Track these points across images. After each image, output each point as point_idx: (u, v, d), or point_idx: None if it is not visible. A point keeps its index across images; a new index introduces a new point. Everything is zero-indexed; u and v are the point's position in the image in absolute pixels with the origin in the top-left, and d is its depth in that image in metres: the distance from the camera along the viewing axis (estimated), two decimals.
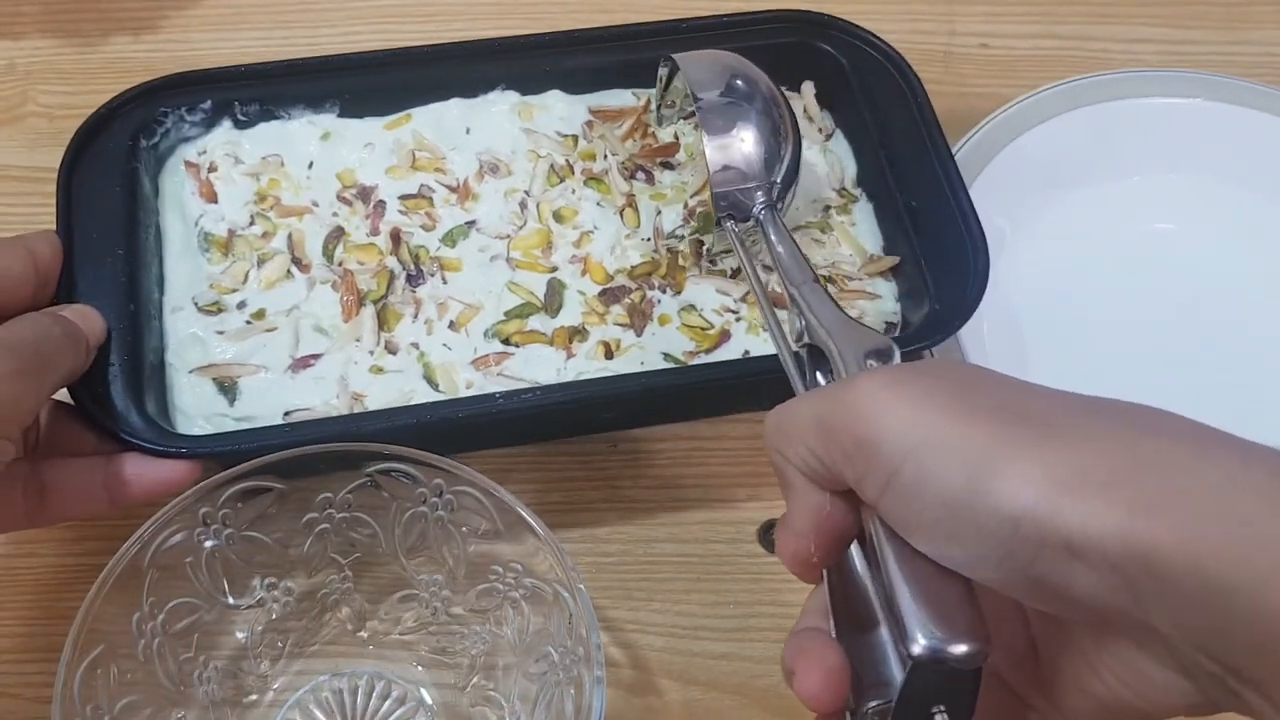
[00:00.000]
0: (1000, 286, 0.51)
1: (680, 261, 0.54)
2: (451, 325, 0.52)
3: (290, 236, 0.53)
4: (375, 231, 0.54)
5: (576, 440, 0.54)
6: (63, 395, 0.46)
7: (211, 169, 0.55)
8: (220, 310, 0.51)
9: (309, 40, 0.67)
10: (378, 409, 0.48)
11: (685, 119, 0.56)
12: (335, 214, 0.54)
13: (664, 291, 0.53)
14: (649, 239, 0.54)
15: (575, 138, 0.57)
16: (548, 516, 0.44)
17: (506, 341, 0.51)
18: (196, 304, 0.51)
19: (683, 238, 0.54)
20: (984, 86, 0.66)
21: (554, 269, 0.53)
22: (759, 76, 0.51)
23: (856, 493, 0.31)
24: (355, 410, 0.49)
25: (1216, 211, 0.61)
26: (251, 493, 0.44)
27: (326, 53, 0.56)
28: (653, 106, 0.56)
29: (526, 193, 0.55)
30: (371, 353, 0.51)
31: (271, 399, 0.49)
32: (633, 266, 0.53)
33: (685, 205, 0.55)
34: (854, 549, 0.34)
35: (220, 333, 0.51)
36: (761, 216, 0.49)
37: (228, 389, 0.49)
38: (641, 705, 0.49)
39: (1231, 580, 0.24)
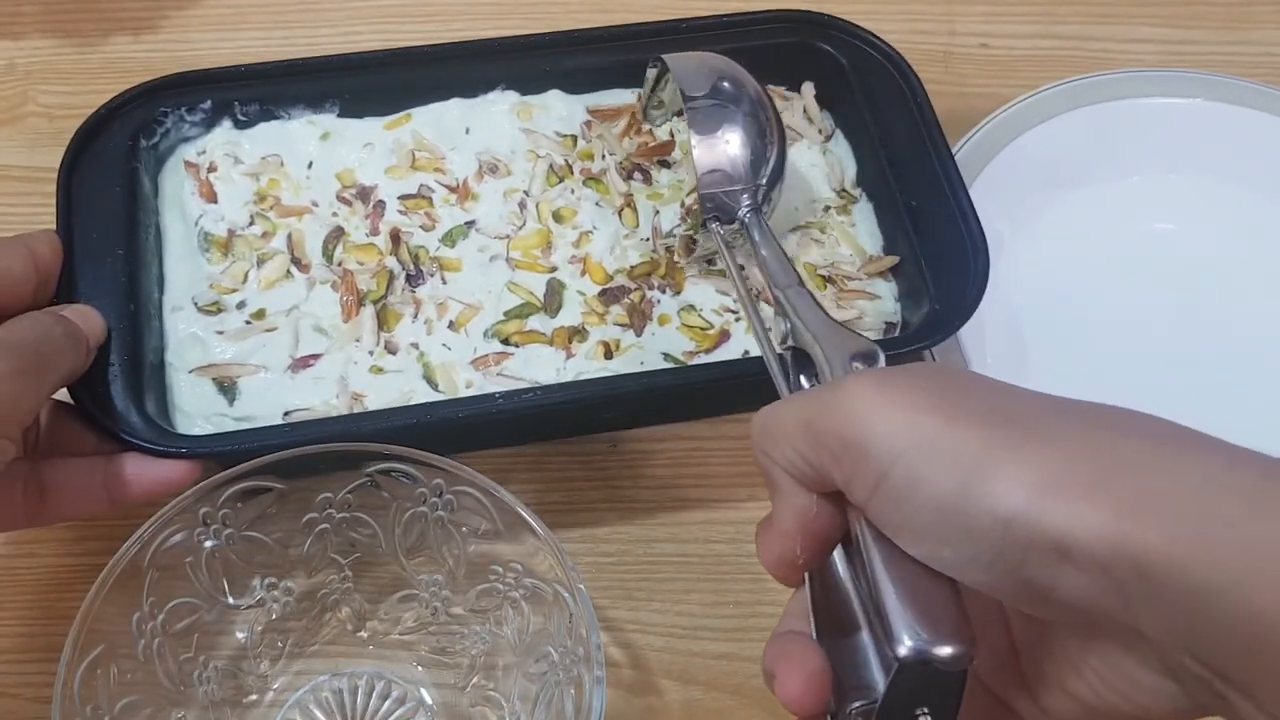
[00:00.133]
0: (1000, 286, 0.51)
1: (674, 258, 0.54)
2: (451, 325, 0.52)
3: (290, 236, 0.53)
4: (375, 231, 0.54)
5: (576, 440, 0.54)
6: (63, 395, 0.46)
7: (211, 169, 0.55)
8: (220, 310, 0.51)
9: (309, 40, 0.67)
10: (377, 409, 0.48)
11: (677, 115, 0.56)
12: (335, 214, 0.54)
13: (663, 291, 0.53)
14: (648, 239, 0.54)
15: (574, 138, 0.57)
16: (547, 516, 0.44)
17: (506, 341, 0.51)
18: (196, 304, 0.51)
19: (679, 236, 0.54)
20: (984, 86, 0.66)
21: (553, 269, 0.53)
22: (746, 79, 0.52)
23: (844, 494, 0.31)
24: (355, 410, 0.49)
25: (1216, 211, 0.61)
26: (251, 493, 0.44)
27: (326, 53, 0.56)
28: (640, 106, 0.56)
29: (526, 193, 0.55)
30: (371, 353, 0.51)
31: (271, 399, 0.49)
32: (632, 266, 0.53)
33: (682, 204, 0.55)
34: (836, 552, 0.34)
35: (220, 333, 0.51)
36: (747, 219, 0.49)
37: (227, 389, 0.49)
38: (641, 705, 0.49)
39: (1215, 582, 0.24)
